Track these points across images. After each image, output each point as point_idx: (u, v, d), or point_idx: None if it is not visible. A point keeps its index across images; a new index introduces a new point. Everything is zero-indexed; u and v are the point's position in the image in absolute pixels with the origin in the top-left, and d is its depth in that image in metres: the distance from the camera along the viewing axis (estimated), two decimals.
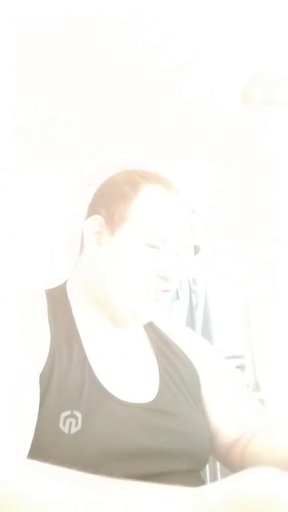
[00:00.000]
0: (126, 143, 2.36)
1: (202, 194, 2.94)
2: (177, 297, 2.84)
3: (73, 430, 0.55)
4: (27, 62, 1.81)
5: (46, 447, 0.54)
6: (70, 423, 0.56)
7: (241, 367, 2.56)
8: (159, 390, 0.69)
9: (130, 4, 1.53)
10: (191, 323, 2.83)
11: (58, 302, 0.70)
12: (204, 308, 2.98)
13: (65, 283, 0.76)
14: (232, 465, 0.74)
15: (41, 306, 0.68)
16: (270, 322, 3.37)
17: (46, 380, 0.58)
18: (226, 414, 0.76)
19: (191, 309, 2.87)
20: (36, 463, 0.47)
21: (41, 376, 0.58)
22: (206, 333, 2.92)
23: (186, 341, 0.83)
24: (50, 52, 1.76)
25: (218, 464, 1.45)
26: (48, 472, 0.45)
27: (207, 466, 1.22)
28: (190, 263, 2.90)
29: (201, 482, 0.69)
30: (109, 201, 0.73)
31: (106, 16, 1.57)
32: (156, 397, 0.67)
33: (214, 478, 1.49)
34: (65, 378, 0.60)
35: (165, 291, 0.70)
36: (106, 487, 0.44)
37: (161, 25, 1.63)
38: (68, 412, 0.56)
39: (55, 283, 0.78)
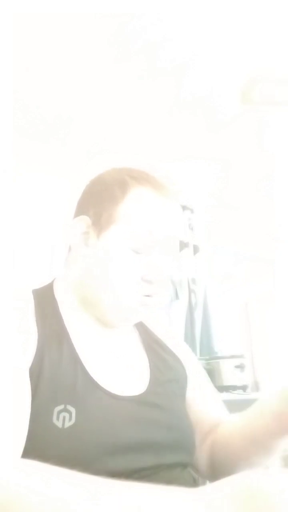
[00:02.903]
0: (126, 143, 2.37)
1: (202, 194, 2.94)
2: (177, 297, 2.84)
3: (67, 424, 0.55)
4: (27, 62, 1.81)
5: (39, 442, 0.54)
6: (64, 418, 0.56)
7: (240, 366, 2.56)
8: (149, 383, 0.69)
9: (130, 4, 1.53)
10: (190, 323, 2.83)
11: (44, 301, 0.70)
12: (203, 308, 2.98)
13: (52, 283, 0.76)
14: (200, 461, 0.76)
15: (28, 303, 0.68)
16: (270, 322, 3.37)
17: (36, 374, 0.58)
18: (203, 412, 0.79)
19: (191, 309, 2.87)
20: (35, 463, 0.47)
21: (30, 370, 0.58)
22: (206, 333, 2.92)
23: (174, 341, 0.85)
24: (50, 52, 1.76)
25: None
26: (49, 470, 0.45)
27: None
28: (190, 263, 2.90)
29: (192, 475, 0.70)
30: (98, 202, 0.72)
31: (106, 16, 1.57)
32: (146, 389, 0.68)
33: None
34: (56, 372, 0.60)
35: (151, 295, 0.70)
36: (107, 486, 0.44)
37: (161, 25, 1.63)
38: (61, 407, 0.56)
39: (46, 282, 0.78)
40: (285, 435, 0.63)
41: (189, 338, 2.75)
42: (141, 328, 0.81)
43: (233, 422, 0.73)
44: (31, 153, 2.31)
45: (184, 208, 2.91)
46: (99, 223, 0.70)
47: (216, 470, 0.75)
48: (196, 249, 2.95)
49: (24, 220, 2.30)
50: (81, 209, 0.75)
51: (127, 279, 0.68)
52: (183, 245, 2.86)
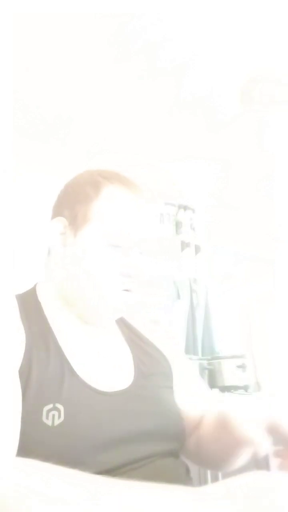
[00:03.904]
0: (126, 143, 2.37)
1: (202, 194, 2.94)
2: (178, 297, 2.84)
3: (57, 422, 0.57)
4: (27, 62, 1.81)
5: (30, 441, 0.54)
6: (53, 416, 0.57)
7: (241, 366, 2.56)
8: (134, 377, 0.71)
9: (130, 4, 1.53)
10: (191, 322, 2.83)
11: (29, 304, 0.72)
12: (204, 307, 2.98)
13: (34, 287, 0.78)
14: (188, 450, 0.77)
15: (12, 307, 0.69)
16: (270, 322, 3.37)
17: (25, 376, 0.59)
18: (190, 403, 0.80)
19: (192, 308, 2.87)
20: (35, 463, 0.47)
21: (19, 372, 0.60)
22: (207, 333, 2.92)
23: (157, 336, 0.86)
24: (50, 52, 1.76)
25: None
26: (48, 470, 0.45)
27: None
28: (191, 263, 2.90)
29: (184, 465, 0.71)
30: (72, 202, 0.74)
31: (106, 16, 1.57)
32: (132, 383, 0.70)
33: (215, 477, 1.49)
34: (44, 372, 0.61)
35: (130, 289, 0.72)
36: (107, 486, 0.44)
37: (161, 25, 1.63)
38: (50, 406, 0.58)
39: (29, 286, 0.80)
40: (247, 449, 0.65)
41: (191, 338, 2.76)
42: (123, 324, 0.83)
43: (207, 424, 0.74)
44: (31, 153, 2.31)
45: (185, 208, 2.91)
46: (75, 223, 0.72)
47: (205, 464, 0.79)
48: (197, 249, 2.95)
49: (24, 220, 2.30)
50: (57, 212, 0.77)
51: (105, 274, 0.70)
52: (184, 245, 2.86)
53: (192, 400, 0.80)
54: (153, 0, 1.52)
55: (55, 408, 0.58)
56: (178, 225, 2.90)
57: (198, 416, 0.78)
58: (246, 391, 2.51)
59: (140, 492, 0.43)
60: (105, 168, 0.80)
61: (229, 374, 2.50)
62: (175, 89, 1.99)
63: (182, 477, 0.67)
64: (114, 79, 1.92)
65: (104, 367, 0.69)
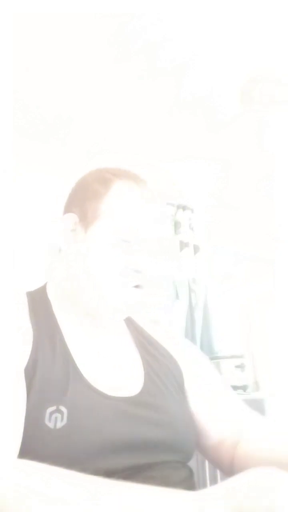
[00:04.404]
0: (126, 143, 2.37)
1: (202, 194, 2.94)
2: (177, 296, 2.84)
3: (59, 425, 0.56)
4: (27, 62, 1.81)
5: (32, 443, 0.54)
6: (56, 418, 0.56)
7: (241, 366, 2.56)
8: (144, 383, 0.69)
9: (130, 4, 1.53)
10: (190, 322, 2.83)
11: (38, 302, 0.71)
12: (204, 307, 2.98)
13: (45, 285, 0.77)
14: (222, 465, 0.75)
15: (22, 306, 0.69)
16: (270, 322, 3.37)
17: (30, 376, 0.59)
18: (215, 414, 0.77)
19: (191, 308, 2.87)
20: (35, 463, 0.47)
21: (25, 372, 0.59)
22: (206, 333, 2.92)
23: (177, 343, 0.85)
24: (50, 52, 1.76)
25: None
26: (48, 470, 0.45)
27: (206, 466, 1.22)
28: (190, 263, 2.90)
29: (189, 472, 0.69)
30: (82, 199, 0.74)
31: (106, 16, 1.57)
32: (141, 390, 0.68)
33: (213, 478, 1.49)
34: (49, 373, 0.60)
35: (139, 286, 0.71)
36: (107, 486, 0.44)
37: (161, 25, 1.63)
38: (53, 408, 0.57)
39: (39, 284, 0.79)
40: None
41: (190, 338, 2.75)
42: (132, 326, 0.81)
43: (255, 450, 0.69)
44: (31, 153, 2.31)
45: (184, 208, 2.91)
46: (86, 219, 0.72)
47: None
48: (196, 249, 2.95)
49: (24, 220, 2.30)
50: (67, 209, 0.77)
51: (116, 270, 0.69)
52: (183, 245, 2.86)
53: (212, 412, 0.77)
54: (153, 0, 1.52)
55: (58, 410, 0.57)
56: (177, 225, 2.90)
57: (225, 430, 0.75)
58: (245, 391, 2.51)
59: (140, 492, 0.43)
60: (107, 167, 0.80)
61: (228, 374, 2.50)
62: (175, 89, 1.99)
63: (186, 483, 0.65)
64: (114, 79, 1.92)
65: (111, 370, 0.68)
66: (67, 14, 1.56)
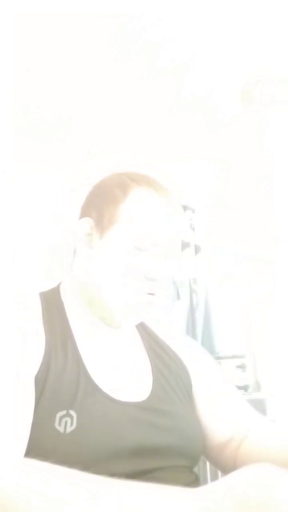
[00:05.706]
0: (126, 143, 2.37)
1: (202, 194, 2.94)
2: (178, 297, 2.84)
3: (69, 429, 0.56)
4: (27, 62, 1.81)
5: (42, 447, 0.54)
6: (66, 422, 0.56)
7: (241, 366, 2.56)
8: (152, 388, 0.69)
9: (130, 4, 1.53)
10: (191, 322, 2.83)
11: (52, 304, 0.71)
12: (204, 308, 2.98)
13: (58, 286, 0.77)
14: (224, 466, 0.75)
15: (36, 308, 0.69)
16: (270, 322, 3.37)
17: (42, 381, 0.59)
18: (217, 415, 0.77)
19: (192, 309, 2.87)
20: (35, 462, 0.47)
21: (37, 377, 0.59)
22: (207, 333, 2.92)
23: (177, 343, 0.84)
24: (50, 52, 1.76)
25: None
26: (48, 470, 0.45)
27: (207, 466, 1.22)
28: (191, 263, 2.90)
29: (195, 477, 0.69)
30: (100, 203, 0.73)
31: (106, 16, 1.57)
32: (150, 395, 0.68)
33: (214, 478, 1.49)
34: (60, 378, 0.60)
35: (154, 293, 0.71)
36: (107, 486, 0.44)
37: (161, 25, 1.63)
38: (63, 412, 0.57)
39: (53, 284, 0.79)
40: None
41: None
42: (143, 330, 0.81)
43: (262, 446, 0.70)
44: (31, 153, 2.31)
45: (185, 208, 2.91)
46: (102, 224, 0.71)
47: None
48: (197, 249, 2.95)
49: (24, 220, 2.30)
50: (84, 212, 0.76)
51: (130, 277, 0.68)
52: (184, 245, 2.86)
53: (218, 414, 0.77)
54: (153, 0, 1.52)
55: (68, 415, 0.57)
56: None
57: (229, 431, 0.75)
58: (246, 391, 2.51)
59: (140, 492, 0.43)
60: (114, 170, 0.79)
61: (229, 374, 2.50)
62: (175, 89, 1.99)
63: (191, 487, 0.65)
64: (114, 79, 1.92)
65: (121, 376, 0.68)
66: (67, 14, 1.56)
